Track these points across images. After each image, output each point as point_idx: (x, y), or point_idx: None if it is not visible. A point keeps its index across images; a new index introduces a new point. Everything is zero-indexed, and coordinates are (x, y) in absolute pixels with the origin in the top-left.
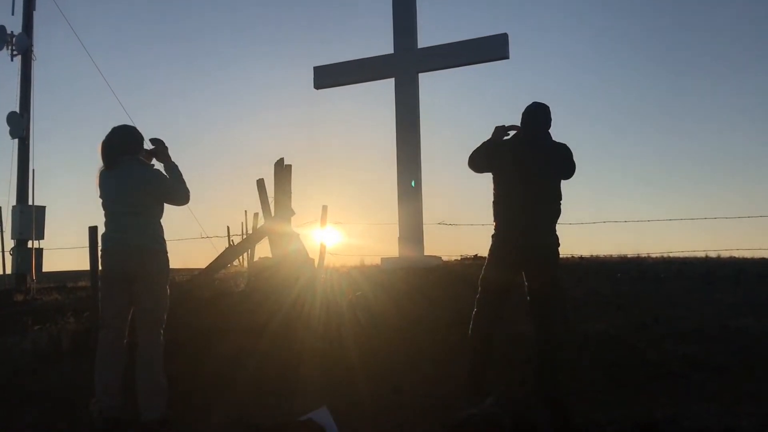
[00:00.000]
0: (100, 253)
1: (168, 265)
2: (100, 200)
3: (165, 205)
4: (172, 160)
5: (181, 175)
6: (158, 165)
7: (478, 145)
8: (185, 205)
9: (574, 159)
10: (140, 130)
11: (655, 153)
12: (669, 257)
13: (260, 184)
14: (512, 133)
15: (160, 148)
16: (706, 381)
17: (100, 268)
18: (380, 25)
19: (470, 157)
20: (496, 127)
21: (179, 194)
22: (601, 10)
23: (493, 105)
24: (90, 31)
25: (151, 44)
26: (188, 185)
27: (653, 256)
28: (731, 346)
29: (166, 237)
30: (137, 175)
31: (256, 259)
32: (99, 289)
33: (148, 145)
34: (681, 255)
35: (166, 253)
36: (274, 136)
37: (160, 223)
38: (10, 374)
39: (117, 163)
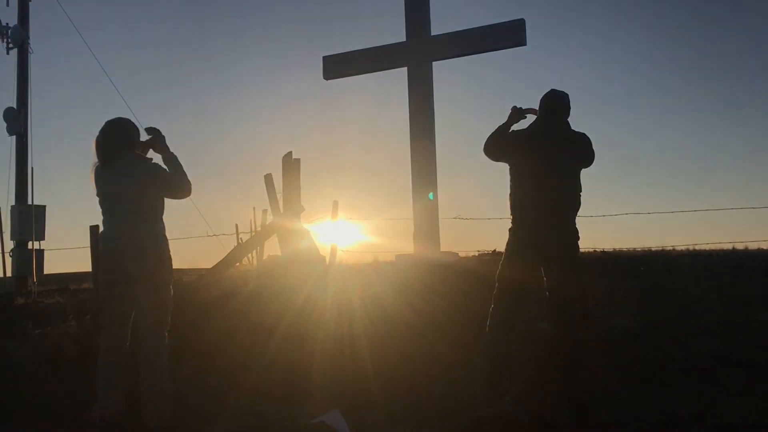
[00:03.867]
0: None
1: (171, 265)
2: (97, 198)
3: (167, 201)
4: (171, 150)
5: (180, 166)
6: (156, 157)
7: (494, 129)
8: (190, 202)
9: (593, 148)
10: (143, 125)
11: (680, 142)
12: (695, 250)
13: (268, 179)
14: (529, 117)
15: (157, 139)
16: (733, 376)
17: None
18: (391, 12)
19: (486, 142)
20: (513, 109)
21: (180, 187)
22: None
23: (509, 94)
24: (89, 22)
25: (153, 35)
26: (189, 177)
27: (678, 249)
28: (759, 341)
29: (171, 235)
30: (135, 171)
31: (265, 257)
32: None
33: (144, 136)
34: (707, 247)
35: (169, 252)
36: (282, 129)
37: (161, 220)
38: (10, 380)
39: (113, 159)
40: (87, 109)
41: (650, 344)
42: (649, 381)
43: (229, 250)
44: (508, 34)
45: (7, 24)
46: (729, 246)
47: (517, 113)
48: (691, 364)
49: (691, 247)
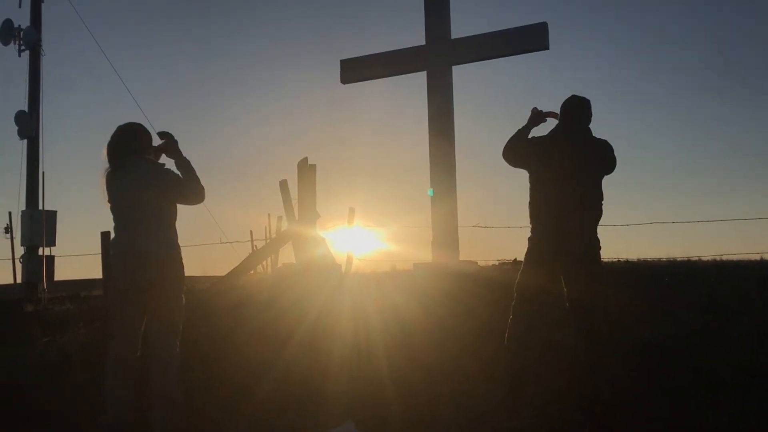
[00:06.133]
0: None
1: (183, 272)
2: (108, 204)
3: (180, 207)
4: (184, 155)
5: (194, 171)
6: (168, 162)
7: (514, 132)
8: (204, 208)
9: (615, 155)
10: (156, 128)
11: (705, 150)
12: (721, 260)
13: (283, 185)
14: (550, 121)
15: (169, 143)
16: (760, 390)
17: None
18: (411, 15)
19: (505, 146)
20: (533, 110)
21: (193, 192)
22: None
23: (530, 100)
24: (102, 24)
25: (167, 38)
26: (202, 182)
27: (704, 259)
28: None
29: (184, 242)
30: (147, 176)
31: (279, 264)
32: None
33: (156, 140)
34: (734, 258)
35: (181, 259)
36: (298, 134)
37: (174, 226)
38: (18, 387)
39: (124, 165)
40: (100, 112)
41: (674, 356)
42: (672, 395)
43: (243, 258)
44: (530, 38)
45: (19, 26)
46: (757, 257)
47: (538, 115)
48: (717, 378)
49: (717, 258)
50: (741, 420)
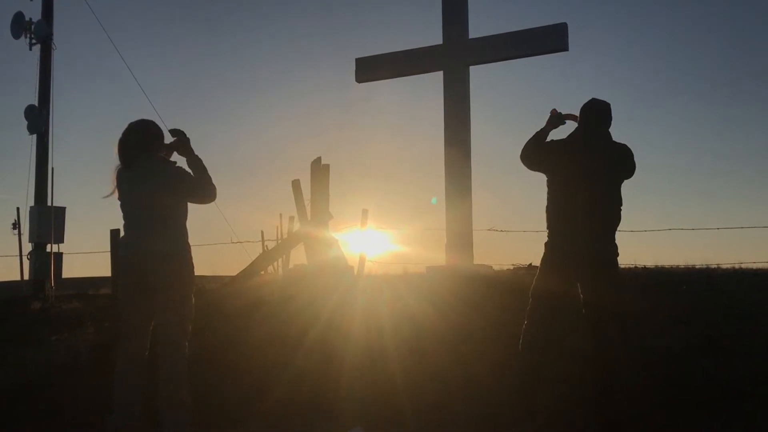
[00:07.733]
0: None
1: (193, 273)
2: (119, 202)
3: (191, 206)
4: (195, 153)
5: (205, 169)
6: (180, 160)
7: (532, 135)
8: (215, 207)
9: (635, 160)
10: (168, 126)
11: (726, 156)
12: (740, 268)
13: (296, 185)
14: (569, 123)
15: (181, 141)
16: None
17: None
18: (428, 14)
19: (523, 149)
20: (552, 112)
21: (204, 191)
22: None
23: (549, 102)
24: (115, 19)
25: (180, 35)
26: (214, 181)
27: (723, 266)
28: None
29: (194, 241)
30: (158, 174)
31: (291, 266)
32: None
33: (168, 138)
34: (753, 266)
35: (191, 259)
36: (312, 133)
37: (184, 226)
38: (24, 387)
39: (135, 162)
40: (111, 108)
41: (690, 365)
42: (688, 404)
43: (253, 258)
44: (549, 39)
45: (30, 19)
46: None
47: (557, 118)
48: (734, 388)
49: (736, 266)
50: (758, 430)
